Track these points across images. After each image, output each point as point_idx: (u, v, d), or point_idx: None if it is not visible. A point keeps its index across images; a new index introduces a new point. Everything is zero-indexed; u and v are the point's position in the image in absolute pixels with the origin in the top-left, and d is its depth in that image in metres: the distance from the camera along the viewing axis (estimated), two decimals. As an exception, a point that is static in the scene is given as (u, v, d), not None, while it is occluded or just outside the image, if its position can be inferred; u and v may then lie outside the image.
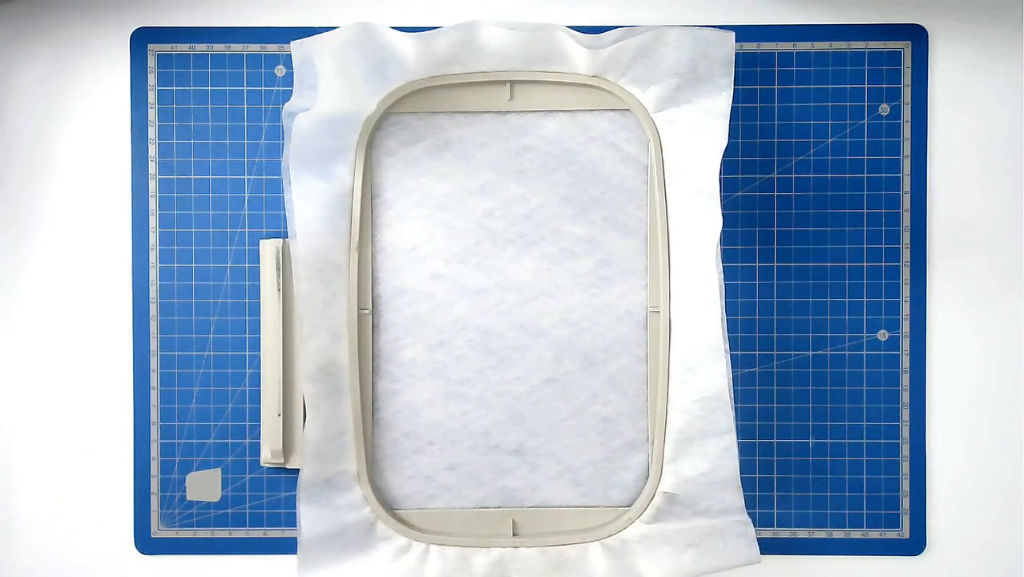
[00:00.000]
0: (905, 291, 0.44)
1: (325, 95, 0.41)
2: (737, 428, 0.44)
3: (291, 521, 0.44)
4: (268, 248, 0.43)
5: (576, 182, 0.43)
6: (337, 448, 0.42)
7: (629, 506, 0.43)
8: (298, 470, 0.42)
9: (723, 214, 0.41)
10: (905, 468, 0.44)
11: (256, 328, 0.44)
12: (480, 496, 0.44)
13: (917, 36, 0.44)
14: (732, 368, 0.44)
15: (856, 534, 0.44)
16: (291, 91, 0.43)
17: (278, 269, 0.43)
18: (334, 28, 0.43)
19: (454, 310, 0.43)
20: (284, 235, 0.44)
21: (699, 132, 0.41)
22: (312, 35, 0.43)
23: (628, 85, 0.42)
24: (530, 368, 0.44)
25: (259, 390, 0.43)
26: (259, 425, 0.43)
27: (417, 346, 0.43)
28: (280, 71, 0.44)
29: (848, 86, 0.44)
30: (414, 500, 0.44)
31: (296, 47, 0.41)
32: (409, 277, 0.43)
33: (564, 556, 0.43)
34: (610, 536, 0.43)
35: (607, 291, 0.43)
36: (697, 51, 0.41)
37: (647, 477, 0.43)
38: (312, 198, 0.41)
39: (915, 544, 0.44)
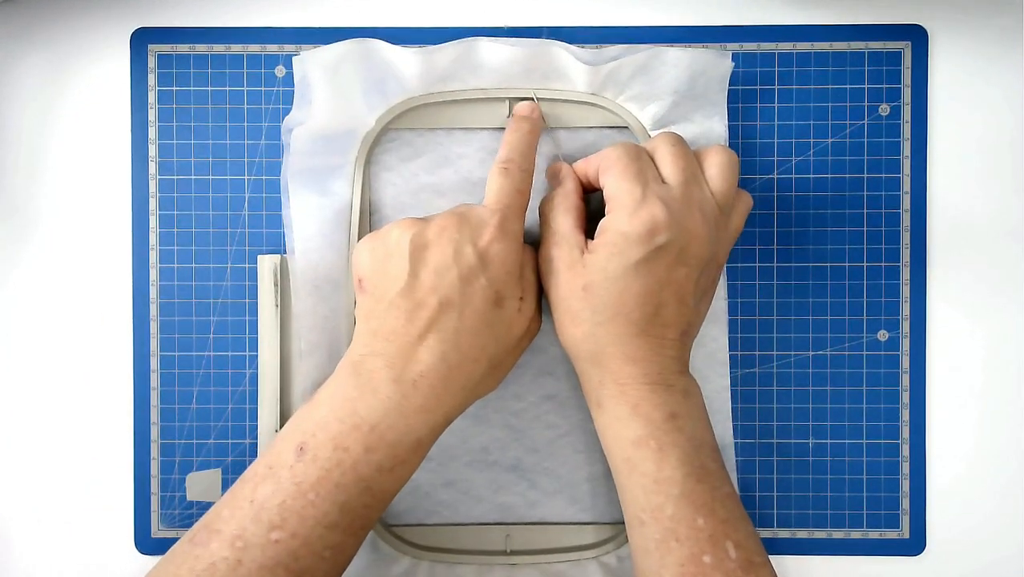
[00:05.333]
0: (905, 291, 0.44)
1: (323, 111, 0.41)
2: (737, 429, 0.44)
3: (291, 521, 0.44)
4: (266, 264, 0.43)
5: None
6: None
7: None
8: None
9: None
10: (905, 468, 0.44)
11: (256, 328, 0.44)
12: (478, 512, 0.44)
13: (917, 36, 0.44)
14: (732, 368, 0.44)
15: (856, 534, 0.44)
16: (292, 91, 0.43)
17: (276, 285, 0.43)
18: (334, 28, 0.44)
19: None
20: (281, 248, 0.44)
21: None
22: (312, 35, 0.43)
23: (626, 103, 0.42)
24: (528, 385, 0.44)
25: (258, 390, 0.43)
26: (258, 426, 0.43)
27: None
28: (280, 71, 0.44)
29: (848, 86, 0.44)
30: (411, 516, 0.44)
31: (297, 63, 0.42)
32: None
33: (561, 574, 0.43)
34: (607, 553, 0.43)
35: None
36: (696, 70, 0.41)
37: (645, 488, 0.43)
38: (311, 213, 0.41)
39: (915, 544, 0.44)
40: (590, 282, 0.36)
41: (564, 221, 0.38)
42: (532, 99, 0.42)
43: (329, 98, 0.41)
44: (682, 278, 0.37)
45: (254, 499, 0.34)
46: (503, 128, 0.43)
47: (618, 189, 0.36)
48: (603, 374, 0.37)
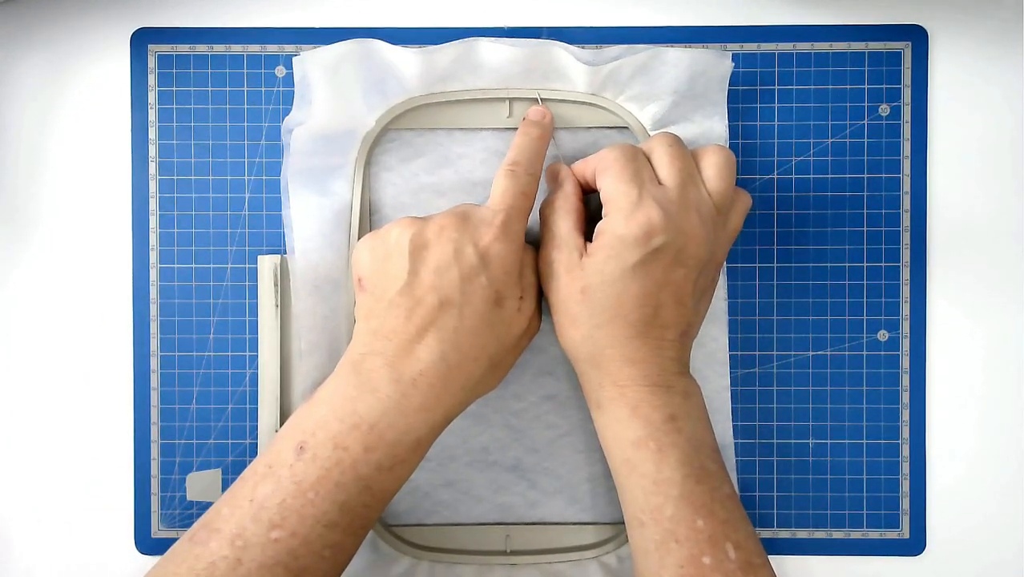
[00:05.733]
0: (905, 291, 0.44)
1: (323, 111, 0.41)
2: (737, 429, 0.44)
3: (291, 521, 0.44)
4: (266, 264, 0.43)
5: None
6: None
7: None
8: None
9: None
10: (905, 468, 0.44)
11: (256, 328, 0.44)
12: (478, 512, 0.44)
13: (917, 36, 0.44)
14: (732, 368, 0.44)
15: (856, 534, 0.44)
16: (292, 91, 0.43)
17: (276, 285, 0.43)
18: (334, 28, 0.44)
19: None
20: (281, 248, 0.44)
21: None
22: (312, 35, 0.43)
23: (626, 103, 0.42)
24: (528, 385, 0.44)
25: (259, 390, 0.43)
26: (258, 426, 0.43)
27: None
28: (280, 71, 0.44)
29: (848, 86, 0.44)
30: (411, 516, 0.44)
31: (297, 63, 0.42)
32: None
33: (561, 574, 0.43)
34: (607, 554, 0.43)
35: None
36: (696, 70, 0.41)
37: (645, 491, 0.43)
38: (312, 213, 0.41)
39: (915, 544, 0.44)
40: (588, 285, 0.37)
41: (563, 223, 0.38)
42: (537, 100, 0.42)
43: (329, 98, 0.41)
44: (680, 279, 0.37)
45: (254, 498, 0.34)
46: (503, 128, 0.43)
47: (614, 191, 0.37)
48: (602, 376, 0.37)
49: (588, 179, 0.39)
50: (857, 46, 0.44)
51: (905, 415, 0.44)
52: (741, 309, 0.44)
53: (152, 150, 0.44)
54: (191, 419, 0.44)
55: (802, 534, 0.44)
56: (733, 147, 0.44)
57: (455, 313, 0.36)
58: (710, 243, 0.37)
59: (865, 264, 0.44)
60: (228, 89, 0.44)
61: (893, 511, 0.44)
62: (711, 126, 0.42)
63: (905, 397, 0.44)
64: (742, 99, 0.44)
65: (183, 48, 0.44)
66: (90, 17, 0.44)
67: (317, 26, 0.44)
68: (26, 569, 0.45)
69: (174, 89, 0.44)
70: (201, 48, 0.44)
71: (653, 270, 0.36)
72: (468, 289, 0.36)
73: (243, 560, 0.33)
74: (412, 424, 0.35)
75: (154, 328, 0.44)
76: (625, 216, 0.36)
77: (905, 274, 0.44)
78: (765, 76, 0.44)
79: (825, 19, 0.44)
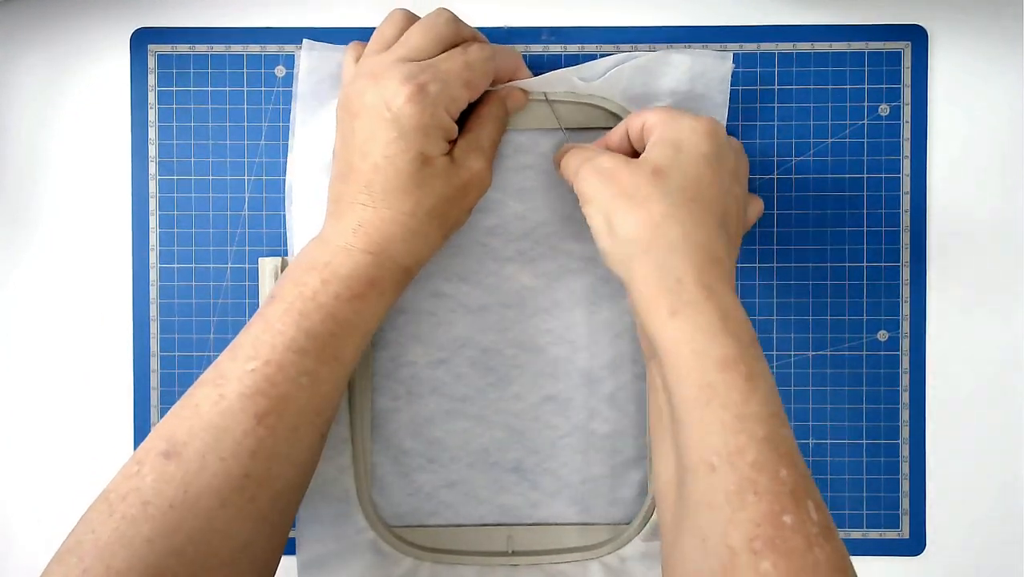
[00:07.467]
0: (905, 291, 0.44)
1: (327, 111, 0.41)
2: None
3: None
4: (268, 266, 0.43)
5: (576, 200, 0.43)
6: (336, 466, 0.42)
7: (628, 524, 0.43)
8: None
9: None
10: (905, 468, 0.44)
11: (256, 328, 0.44)
12: (479, 513, 0.44)
13: (917, 36, 0.44)
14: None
15: (856, 534, 0.44)
16: (291, 92, 0.43)
17: None
18: (334, 28, 0.43)
19: (454, 328, 0.43)
20: (282, 249, 0.44)
21: None
22: (312, 35, 0.43)
23: (627, 103, 0.42)
24: (529, 386, 0.44)
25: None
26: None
27: (417, 364, 0.43)
28: (280, 71, 0.44)
29: (848, 86, 0.44)
30: (413, 517, 0.44)
31: (305, 53, 0.41)
32: (409, 295, 0.43)
33: (563, 574, 0.43)
34: (609, 554, 0.43)
35: (606, 308, 0.43)
36: (696, 71, 0.41)
37: (646, 494, 0.43)
38: (313, 216, 0.41)
39: (915, 544, 0.44)
40: (660, 166, 0.35)
41: (604, 153, 0.38)
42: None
43: (333, 97, 0.41)
44: (737, 196, 0.37)
45: (233, 347, 0.36)
46: (504, 130, 0.43)
47: (669, 112, 0.37)
48: (685, 266, 0.33)
49: (620, 136, 0.40)
50: (857, 46, 0.44)
51: (905, 415, 0.44)
52: (741, 309, 0.44)
53: (152, 150, 0.44)
54: (191, 419, 0.44)
55: (802, 534, 0.44)
56: (733, 147, 0.44)
57: (381, 177, 0.37)
58: (746, 191, 0.38)
59: (865, 264, 0.44)
60: (228, 89, 0.44)
61: (893, 511, 0.44)
62: None
63: (905, 397, 0.44)
64: (742, 99, 0.44)
65: (183, 48, 0.44)
66: (90, 17, 0.44)
67: (317, 26, 0.44)
68: (26, 569, 0.45)
69: (174, 89, 0.44)
70: (201, 48, 0.44)
71: (721, 169, 0.36)
72: (390, 153, 0.36)
73: (225, 394, 0.34)
74: (360, 263, 0.36)
75: (154, 328, 0.44)
76: (691, 118, 0.36)
77: (905, 274, 0.44)
78: (765, 76, 0.44)
79: (825, 19, 0.44)
